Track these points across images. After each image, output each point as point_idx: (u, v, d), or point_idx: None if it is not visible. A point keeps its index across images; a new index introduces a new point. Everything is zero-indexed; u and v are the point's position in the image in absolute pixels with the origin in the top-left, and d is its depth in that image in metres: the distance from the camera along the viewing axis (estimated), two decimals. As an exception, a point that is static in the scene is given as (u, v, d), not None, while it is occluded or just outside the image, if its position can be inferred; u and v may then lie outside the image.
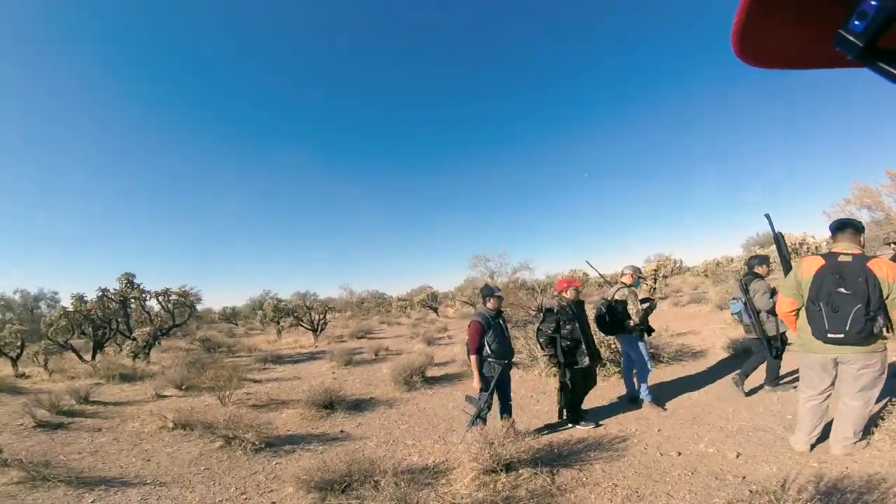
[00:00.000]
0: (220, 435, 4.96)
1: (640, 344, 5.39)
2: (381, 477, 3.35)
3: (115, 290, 12.93)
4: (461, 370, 8.48)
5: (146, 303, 13.52)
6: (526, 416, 5.43)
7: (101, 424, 6.23)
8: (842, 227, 3.43)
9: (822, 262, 3.29)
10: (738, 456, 3.68)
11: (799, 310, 3.46)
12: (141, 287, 13.28)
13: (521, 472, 3.59)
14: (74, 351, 11.91)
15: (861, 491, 2.70)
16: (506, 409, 4.65)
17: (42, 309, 26.96)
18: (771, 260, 6.04)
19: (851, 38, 0.42)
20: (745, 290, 5.30)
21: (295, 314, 16.79)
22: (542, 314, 5.01)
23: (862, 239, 3.42)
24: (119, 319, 13.12)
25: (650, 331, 5.56)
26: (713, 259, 26.14)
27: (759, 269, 5.41)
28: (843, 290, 3.08)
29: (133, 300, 13.28)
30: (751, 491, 2.96)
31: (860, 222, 3.51)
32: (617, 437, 4.45)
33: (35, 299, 28.26)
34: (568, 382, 4.81)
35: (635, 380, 5.59)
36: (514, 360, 5.10)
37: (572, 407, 4.98)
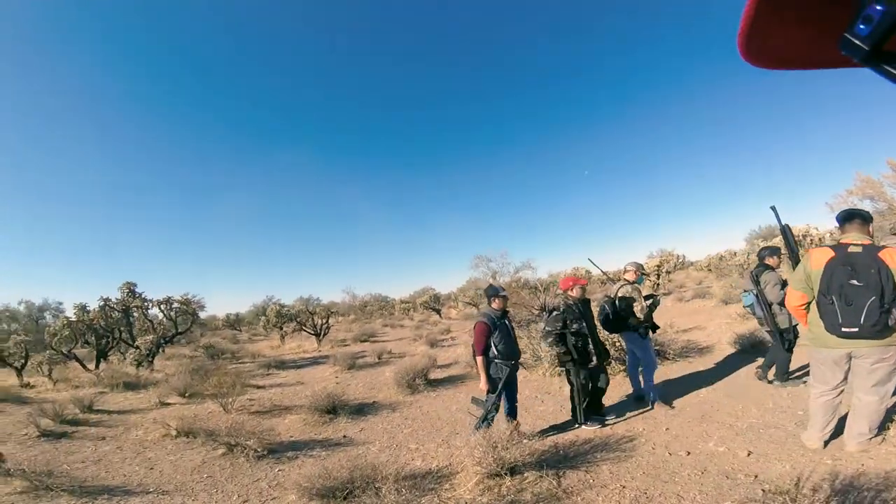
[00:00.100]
0: (223, 442, 4.93)
1: (646, 341, 5.31)
2: (382, 483, 3.28)
3: (116, 299, 12.92)
4: (464, 372, 8.41)
5: (148, 311, 13.51)
6: (531, 417, 5.35)
7: (104, 433, 6.21)
8: (849, 217, 3.34)
9: (831, 253, 3.20)
10: (749, 454, 3.58)
11: (809, 303, 3.37)
12: (143, 296, 13.30)
13: (526, 475, 3.51)
14: (78, 360, 11.92)
15: (879, 488, 2.60)
16: (511, 411, 4.57)
17: (47, 319, 27.01)
18: (782, 251, 5.95)
19: (857, 41, 0.42)
20: (757, 282, 5.21)
21: (298, 319, 16.74)
22: (547, 313, 4.92)
23: (871, 229, 3.34)
24: (122, 328, 13.12)
25: (655, 328, 5.48)
26: (716, 253, 26.01)
27: (770, 261, 5.31)
28: (855, 282, 2.99)
29: (135, 309, 13.27)
30: (763, 490, 2.87)
31: (867, 212, 3.42)
32: (624, 436, 4.36)
33: (40, 310, 28.36)
34: (583, 381, 4.71)
35: (641, 378, 5.51)
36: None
37: (580, 404, 4.89)
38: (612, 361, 6.54)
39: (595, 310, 5.38)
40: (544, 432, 4.85)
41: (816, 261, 3.25)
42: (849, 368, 3.28)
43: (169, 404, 7.88)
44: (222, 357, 13.72)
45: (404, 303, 33.80)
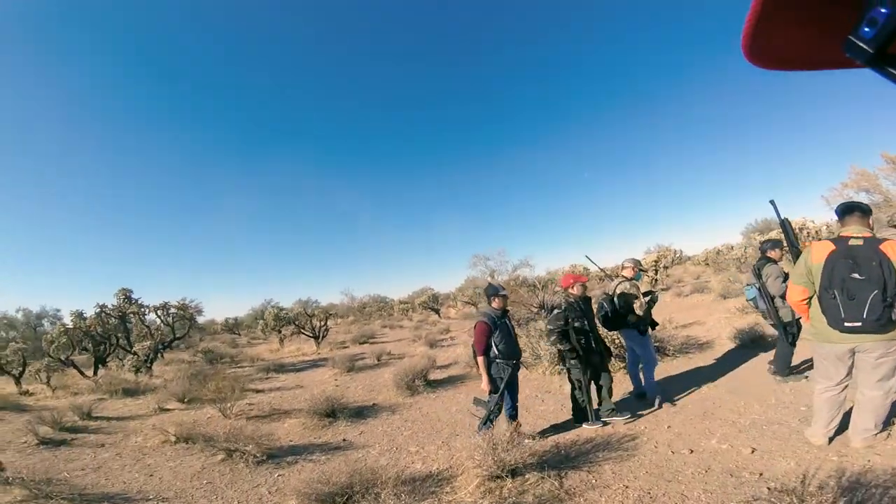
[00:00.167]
0: (222, 448, 4.89)
1: (645, 338, 5.27)
2: (382, 488, 3.23)
3: (112, 305, 12.85)
4: (464, 372, 8.36)
5: (145, 317, 13.45)
6: (531, 417, 5.31)
7: (104, 440, 6.17)
8: (849, 210, 3.29)
9: (832, 246, 3.15)
10: (753, 451, 3.54)
11: (811, 298, 3.33)
12: (139, 302, 13.22)
13: (527, 476, 3.47)
14: (76, 367, 11.87)
15: (887, 485, 2.56)
16: (512, 412, 4.53)
17: (45, 326, 26.87)
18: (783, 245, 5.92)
19: (861, 44, 0.42)
20: (759, 276, 5.18)
21: (296, 322, 16.67)
22: (548, 311, 4.88)
23: (871, 221, 3.29)
24: (119, 335, 13.05)
25: (654, 325, 5.44)
26: (713, 247, 25.98)
27: (773, 254, 5.27)
28: (857, 275, 2.94)
29: (132, 315, 13.21)
30: (769, 488, 2.83)
31: (867, 205, 3.38)
32: (626, 435, 4.32)
33: (38, 317, 28.20)
34: (589, 378, 4.66)
35: (641, 375, 5.47)
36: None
37: (581, 404, 4.85)
38: (613, 359, 6.50)
39: (594, 307, 5.33)
40: (545, 432, 4.81)
41: (817, 254, 3.20)
42: (853, 363, 3.23)
43: (168, 410, 7.83)
44: (221, 361, 13.64)
45: (403, 303, 33.70)
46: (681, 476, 3.36)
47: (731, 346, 7.31)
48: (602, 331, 5.75)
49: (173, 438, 5.65)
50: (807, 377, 5.07)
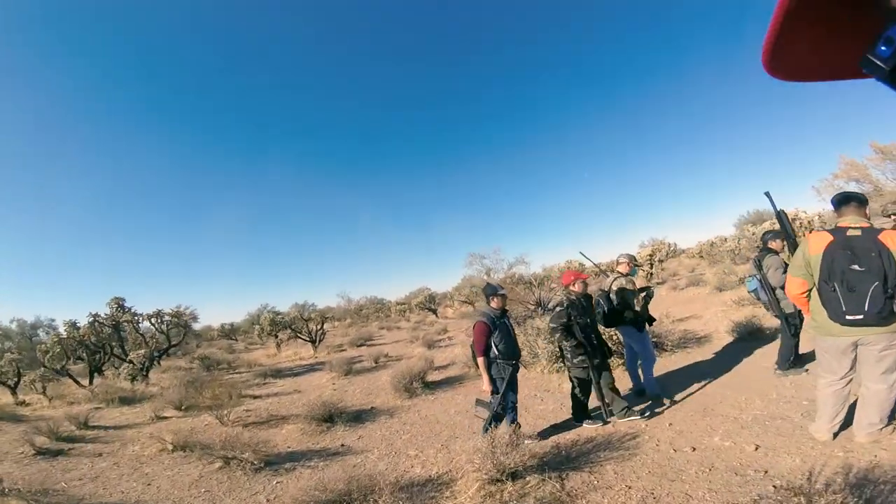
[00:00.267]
0: (219, 456, 4.83)
1: (643, 335, 5.23)
2: (379, 495, 3.17)
3: (105, 314, 12.73)
4: (462, 372, 8.31)
5: (140, 325, 13.32)
6: (531, 417, 5.26)
7: (101, 449, 6.10)
8: (845, 200, 3.23)
9: (830, 237, 3.09)
10: (756, 448, 3.47)
11: (810, 290, 3.28)
12: (132, 310, 13.09)
13: (528, 479, 3.40)
14: (71, 377, 11.76)
15: (895, 481, 2.51)
16: (512, 412, 4.47)
17: (41, 336, 26.68)
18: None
19: (878, 62, 0.44)
20: (759, 267, 5.13)
21: (292, 327, 16.55)
22: (550, 309, 4.81)
23: (867, 211, 3.24)
24: (113, 343, 12.93)
25: (651, 320, 5.39)
26: (707, 240, 25.95)
27: (774, 244, 5.22)
28: (856, 266, 2.88)
29: (126, 324, 13.08)
30: (775, 486, 2.77)
31: (863, 195, 3.32)
32: (626, 434, 4.26)
33: (32, 327, 28.04)
34: (597, 376, 4.58)
35: (640, 372, 5.42)
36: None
37: (586, 404, 4.80)
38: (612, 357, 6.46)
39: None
40: (545, 432, 4.75)
41: (815, 246, 3.14)
42: (856, 357, 3.17)
43: (165, 418, 7.76)
44: (218, 368, 13.56)
45: (400, 304, 33.64)
46: (684, 475, 3.30)
47: (729, 339, 7.28)
48: (600, 328, 5.71)
49: (170, 447, 5.58)
50: (807, 370, 5.03)
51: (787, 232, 3.89)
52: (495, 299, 4.51)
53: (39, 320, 28.25)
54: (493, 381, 4.27)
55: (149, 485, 4.66)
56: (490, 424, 4.18)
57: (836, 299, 2.99)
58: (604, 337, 5.11)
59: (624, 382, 5.80)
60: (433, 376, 8.21)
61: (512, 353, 4.39)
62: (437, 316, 26.26)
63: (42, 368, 11.67)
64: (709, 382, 5.41)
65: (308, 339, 16.13)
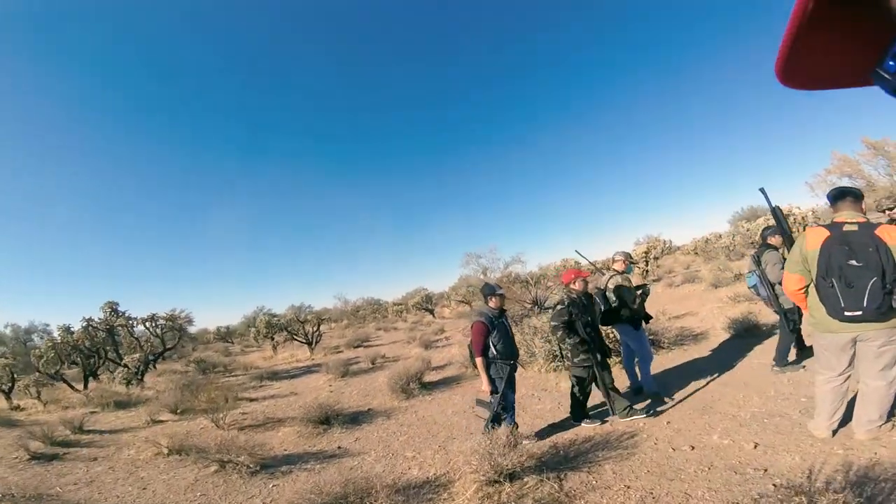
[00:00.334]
0: (214, 459, 4.78)
1: (640, 333, 5.21)
2: (375, 498, 3.13)
3: (99, 319, 12.63)
4: (459, 372, 8.28)
5: (134, 329, 13.23)
6: (528, 417, 5.22)
7: (96, 453, 6.05)
8: (841, 195, 3.21)
9: (826, 233, 3.07)
10: (755, 446, 3.45)
11: (808, 286, 3.26)
12: (126, 314, 13.01)
13: (526, 480, 3.37)
14: (65, 381, 11.68)
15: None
16: (510, 412, 4.44)
17: (35, 341, 26.48)
18: None
19: (886, 76, 0.46)
20: (758, 263, 5.12)
21: (288, 329, 16.47)
22: (542, 307, 4.79)
23: (864, 206, 3.22)
24: (107, 348, 12.84)
25: (648, 318, 5.37)
26: (702, 236, 26.05)
27: (773, 240, 5.20)
28: (854, 262, 2.86)
29: (120, 328, 12.99)
30: (775, 485, 2.75)
31: (859, 190, 3.30)
32: (625, 433, 4.24)
33: (27, 332, 27.81)
34: (602, 372, 4.55)
35: (637, 370, 5.40)
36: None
37: (584, 403, 4.77)
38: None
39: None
40: (543, 432, 4.72)
41: (812, 241, 3.12)
42: (854, 353, 3.15)
43: (161, 421, 7.69)
44: (214, 371, 13.47)
45: (397, 305, 33.58)
46: (683, 474, 3.27)
47: (726, 336, 7.28)
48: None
49: (166, 450, 5.54)
50: (804, 367, 5.02)
51: (782, 228, 3.88)
52: (493, 299, 4.48)
53: (34, 325, 28.02)
54: (491, 380, 4.24)
55: (144, 489, 4.62)
56: (492, 423, 4.16)
57: (834, 295, 2.96)
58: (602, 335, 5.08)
59: (621, 381, 5.78)
60: (430, 377, 8.18)
61: (510, 353, 4.37)
62: (433, 316, 26.24)
63: (36, 373, 11.59)
64: (706, 380, 5.39)
65: (304, 341, 16.07)
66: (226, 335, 29.23)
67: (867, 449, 3.04)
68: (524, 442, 3.97)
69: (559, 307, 4.60)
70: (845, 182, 13.79)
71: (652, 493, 3.09)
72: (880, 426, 3.15)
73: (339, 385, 9.34)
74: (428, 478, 3.96)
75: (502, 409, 4.27)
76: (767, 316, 7.57)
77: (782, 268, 4.69)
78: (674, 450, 3.73)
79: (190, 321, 14.20)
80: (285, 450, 5.44)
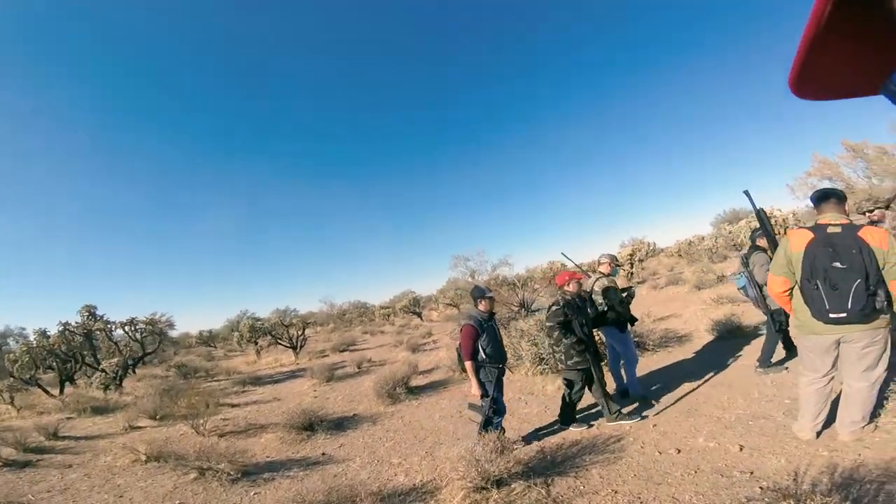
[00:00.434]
0: (194, 466, 4.67)
1: (626, 335, 5.22)
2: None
3: (76, 323, 12.31)
4: (447, 376, 8.21)
5: (112, 333, 12.91)
6: (515, 421, 5.18)
7: (71, 460, 5.88)
8: (824, 197, 3.23)
9: (810, 235, 3.08)
10: (741, 449, 3.45)
11: (792, 289, 3.27)
12: (104, 318, 12.68)
13: (513, 486, 3.32)
14: (40, 386, 11.35)
15: (881, 480, 2.48)
16: (502, 415, 4.40)
17: (11, 345, 25.76)
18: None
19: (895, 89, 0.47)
20: (747, 264, 5.17)
21: (272, 333, 16.22)
22: (529, 310, 4.78)
23: (847, 208, 3.25)
24: (85, 352, 12.51)
25: (633, 320, 5.38)
26: (685, 239, 26.40)
27: (762, 242, 5.25)
28: (838, 264, 2.88)
29: (98, 332, 12.66)
30: (761, 488, 2.74)
31: (842, 191, 3.33)
32: (611, 436, 4.22)
33: (2, 336, 27.06)
34: (598, 373, 4.54)
35: (623, 372, 5.41)
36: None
37: (574, 406, 4.75)
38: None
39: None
40: (529, 436, 4.69)
41: (796, 243, 3.13)
42: (838, 354, 3.18)
43: (139, 428, 7.51)
44: (196, 375, 13.22)
45: (384, 308, 33.40)
46: (670, 478, 3.26)
47: (710, 338, 7.34)
48: None
49: (144, 457, 5.40)
50: (787, 369, 5.07)
51: (766, 230, 3.91)
52: (483, 302, 4.45)
53: (9, 329, 27.33)
54: (481, 384, 4.19)
55: (121, 497, 4.50)
56: (485, 426, 4.13)
57: (819, 297, 2.98)
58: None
59: (607, 384, 5.80)
60: (417, 381, 8.10)
61: (499, 357, 4.34)
62: (421, 319, 26.15)
63: (10, 378, 11.25)
64: (691, 382, 5.41)
65: (289, 345, 15.84)
66: (208, 339, 28.79)
67: (851, 450, 3.06)
68: (511, 446, 3.93)
69: (554, 308, 4.59)
70: (826, 184, 14.03)
71: (640, 498, 3.07)
72: (863, 427, 3.17)
73: (323, 390, 9.21)
74: (414, 484, 3.89)
75: (494, 412, 4.23)
76: (750, 317, 7.67)
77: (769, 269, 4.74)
78: (660, 453, 3.72)
79: (171, 325, 13.93)
80: (268, 457, 5.34)
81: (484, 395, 4.18)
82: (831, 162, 14.07)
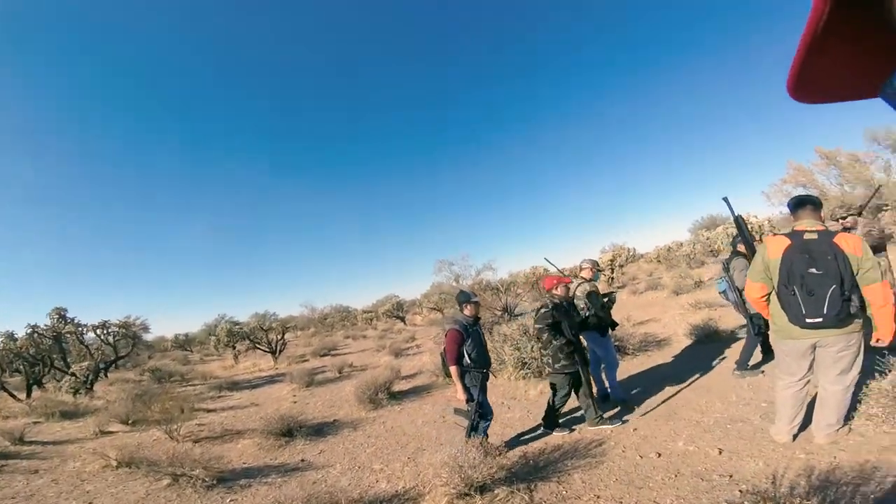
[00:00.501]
0: (167, 472, 4.53)
1: (606, 339, 5.26)
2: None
3: (45, 325, 11.89)
4: (430, 381, 8.15)
5: (84, 336, 12.51)
6: (498, 426, 5.16)
7: (38, 466, 5.65)
8: (801, 203, 3.31)
9: (787, 241, 3.15)
10: (720, 452, 3.50)
11: (769, 294, 3.34)
12: (76, 321, 12.27)
13: (496, 492, 3.30)
14: (6, 390, 10.93)
15: (856, 482, 2.54)
16: (489, 419, 4.37)
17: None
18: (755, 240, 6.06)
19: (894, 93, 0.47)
20: (727, 269, 5.28)
21: (251, 337, 15.91)
22: (512, 315, 4.78)
23: (822, 215, 3.33)
24: (54, 356, 12.09)
25: (614, 325, 5.43)
26: (664, 245, 26.93)
27: (742, 247, 5.38)
28: (814, 270, 2.95)
29: (69, 335, 12.25)
30: (741, 491, 2.77)
31: (818, 198, 3.41)
32: (593, 441, 4.24)
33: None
34: (585, 375, 4.54)
35: (604, 377, 5.44)
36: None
37: (558, 410, 4.74)
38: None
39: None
40: (512, 441, 4.68)
41: (774, 249, 3.20)
42: (813, 358, 3.25)
43: (110, 433, 7.27)
44: (170, 380, 12.88)
45: (367, 312, 33.11)
46: (651, 482, 3.28)
47: (688, 342, 7.46)
48: None
49: (115, 463, 5.23)
50: (763, 372, 5.17)
51: (744, 237, 3.99)
52: (468, 306, 4.43)
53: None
54: (466, 389, 4.17)
55: (90, 503, 4.37)
56: (472, 431, 4.12)
57: (796, 303, 3.04)
58: None
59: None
60: (400, 386, 8.03)
61: (484, 362, 4.33)
62: (405, 323, 26.00)
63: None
64: (670, 385, 5.47)
65: (268, 349, 15.56)
66: (184, 343, 28.18)
67: (827, 453, 3.12)
68: (495, 450, 3.91)
69: (543, 310, 4.60)
70: (800, 191, 14.39)
71: (622, 502, 3.08)
72: (838, 430, 3.25)
73: (303, 395, 9.06)
74: (397, 491, 3.84)
75: (480, 416, 4.21)
76: (727, 322, 7.83)
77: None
78: (641, 457, 3.74)
79: (146, 328, 13.55)
80: (244, 463, 5.22)
81: (469, 399, 4.16)
82: (806, 169, 14.44)
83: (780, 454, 3.27)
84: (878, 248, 4.78)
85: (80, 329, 12.32)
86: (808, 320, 2.98)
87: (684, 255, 22.02)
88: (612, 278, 19.85)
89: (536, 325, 4.67)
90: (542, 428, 4.81)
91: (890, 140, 11.17)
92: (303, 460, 5.10)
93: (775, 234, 3.35)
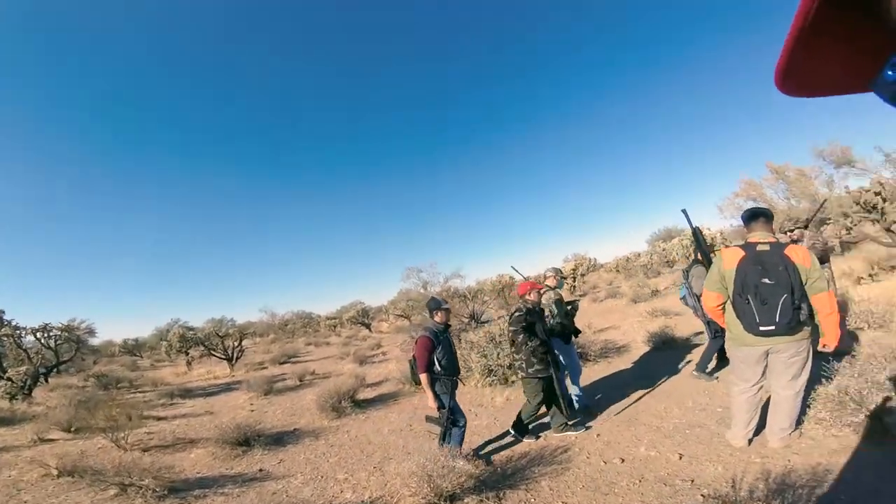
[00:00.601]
0: (113, 482, 4.28)
1: (570, 347, 5.34)
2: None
3: (-20, 328, 11.05)
4: (396, 389, 8.04)
5: (22, 340, 11.65)
6: (466, 434, 5.11)
7: (-32, 475, 5.20)
8: (754, 216, 3.48)
9: (742, 253, 3.30)
10: (680, 457, 3.60)
11: (725, 303, 3.48)
12: (13, 324, 11.42)
13: (465, 500, 3.27)
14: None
15: (811, 485, 2.66)
16: (462, 425, 4.33)
17: None
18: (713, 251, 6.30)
19: (885, 85, 0.45)
20: (687, 276, 5.51)
21: (206, 343, 15.25)
22: (479, 322, 4.78)
23: (773, 227, 3.51)
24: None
25: (577, 332, 5.53)
26: (623, 255, 27.88)
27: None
28: (767, 280, 3.11)
29: (5, 338, 11.39)
30: (703, 495, 2.86)
31: (770, 210, 3.59)
32: (558, 447, 4.28)
33: None
34: (558, 378, 4.55)
35: (568, 382, 5.52)
36: None
37: (530, 416, 4.75)
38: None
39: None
40: (480, 449, 4.67)
41: (729, 260, 3.34)
42: (766, 364, 3.40)
43: (51, 440, 6.85)
44: (118, 386, 12.18)
45: (330, 319, 32.46)
46: (616, 488, 3.33)
47: (646, 348, 7.70)
48: None
49: (55, 472, 4.91)
50: (717, 378, 5.38)
51: (701, 248, 4.16)
52: (439, 313, 4.40)
53: None
54: (437, 397, 4.13)
55: (28, 515, 4.03)
56: (445, 438, 4.08)
57: (750, 312, 3.18)
58: None
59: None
60: (365, 394, 7.87)
61: (453, 369, 4.30)
62: (370, 330, 25.66)
63: None
64: (630, 391, 5.61)
65: (224, 356, 14.96)
66: (134, 348, 26.80)
67: (781, 457, 3.27)
68: (464, 459, 3.88)
69: (517, 314, 4.63)
70: (751, 205, 15.05)
71: (588, 508, 3.10)
72: (790, 434, 3.41)
73: (261, 403, 8.75)
74: (363, 501, 3.75)
75: (452, 423, 4.17)
76: (682, 330, 8.14)
77: None
78: (605, 463, 3.80)
79: (91, 332, 12.77)
80: (198, 472, 4.99)
81: (440, 407, 4.12)
82: (756, 183, 15.09)
83: (738, 458, 3.39)
84: (822, 259, 5.08)
85: (18, 332, 11.47)
86: (761, 328, 3.13)
87: (642, 266, 22.82)
88: (575, 286, 20.32)
89: (511, 328, 4.69)
90: (509, 434, 4.81)
91: (833, 156, 11.82)
92: (261, 470, 4.91)
93: (727, 247, 3.51)
